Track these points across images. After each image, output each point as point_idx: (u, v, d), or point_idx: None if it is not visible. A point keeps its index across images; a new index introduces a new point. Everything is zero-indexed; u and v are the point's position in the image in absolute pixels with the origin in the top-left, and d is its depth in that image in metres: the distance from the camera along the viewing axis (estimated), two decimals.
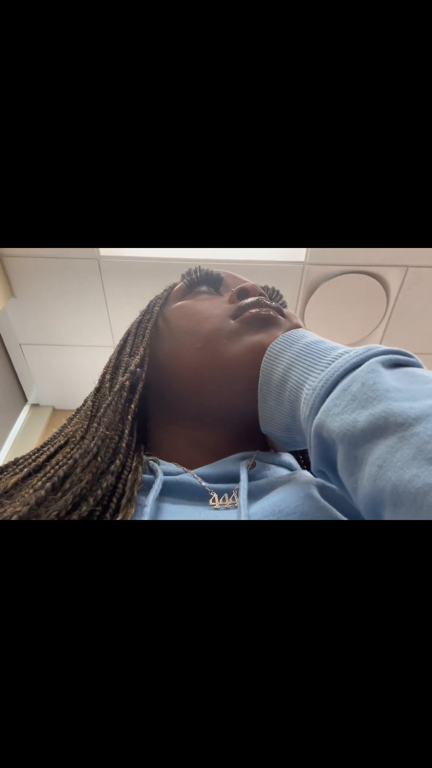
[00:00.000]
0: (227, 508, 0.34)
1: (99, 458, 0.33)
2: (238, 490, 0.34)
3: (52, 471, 0.32)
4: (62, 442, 0.37)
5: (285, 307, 0.47)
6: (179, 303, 0.46)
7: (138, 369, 0.41)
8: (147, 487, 0.34)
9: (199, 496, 0.35)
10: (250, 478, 0.36)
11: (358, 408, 0.26)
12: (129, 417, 0.38)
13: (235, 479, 0.36)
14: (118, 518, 0.30)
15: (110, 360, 0.44)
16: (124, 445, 0.35)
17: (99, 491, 0.31)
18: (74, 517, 0.29)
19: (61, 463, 0.33)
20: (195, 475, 0.36)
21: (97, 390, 0.41)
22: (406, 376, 0.27)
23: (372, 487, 0.24)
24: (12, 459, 0.38)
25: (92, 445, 0.33)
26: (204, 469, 0.37)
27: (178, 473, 0.37)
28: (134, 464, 0.35)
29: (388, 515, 0.23)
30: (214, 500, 0.34)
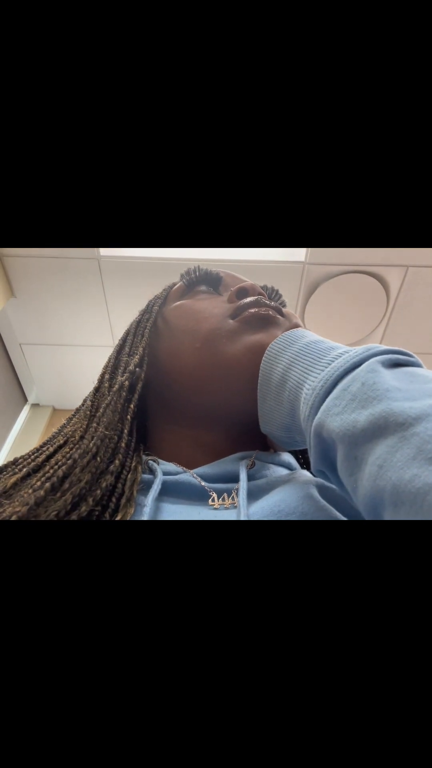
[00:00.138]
0: (227, 508, 0.33)
1: (98, 458, 0.33)
2: (237, 489, 0.34)
3: (51, 471, 0.32)
4: (61, 441, 0.37)
5: (284, 306, 0.47)
6: (178, 302, 0.46)
7: (137, 369, 0.41)
8: (146, 486, 0.34)
9: (198, 495, 0.35)
10: (250, 478, 0.36)
11: (358, 408, 0.26)
12: (128, 417, 0.37)
13: (235, 479, 0.36)
14: (118, 518, 0.30)
15: (109, 360, 0.44)
16: (123, 444, 0.35)
17: (98, 491, 0.31)
18: (73, 517, 0.29)
19: (60, 463, 0.33)
20: (194, 475, 0.36)
21: (97, 390, 0.41)
22: (406, 375, 0.27)
23: (372, 487, 0.24)
24: (12, 459, 0.38)
25: (91, 444, 0.33)
26: (203, 469, 0.37)
27: (177, 473, 0.37)
28: (133, 464, 0.35)
29: (388, 515, 0.23)
30: (213, 500, 0.34)
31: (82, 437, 0.36)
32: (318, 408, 0.29)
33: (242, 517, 0.30)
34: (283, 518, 0.30)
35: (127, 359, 0.42)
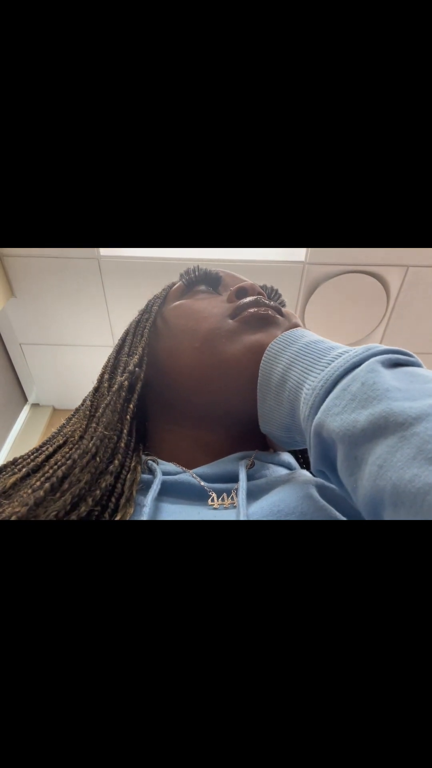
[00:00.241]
0: (226, 508, 0.33)
1: (98, 458, 0.33)
2: (237, 489, 0.34)
3: (50, 471, 0.32)
4: (61, 442, 0.37)
5: (284, 306, 0.46)
6: (178, 302, 0.46)
7: (136, 369, 0.41)
8: (146, 486, 0.34)
9: (198, 495, 0.35)
10: (249, 478, 0.36)
11: (358, 408, 0.26)
12: (127, 417, 0.37)
13: (234, 479, 0.36)
14: (117, 518, 0.30)
15: (109, 360, 0.44)
16: (122, 445, 0.35)
17: (98, 491, 0.31)
18: (73, 517, 0.29)
19: (59, 463, 0.33)
20: (194, 475, 0.36)
21: (96, 390, 0.41)
22: (406, 375, 0.27)
23: (372, 487, 0.24)
24: (11, 459, 0.38)
25: (91, 445, 0.33)
26: (203, 469, 0.37)
27: (177, 473, 0.37)
28: (133, 464, 0.35)
29: (388, 515, 0.23)
30: (213, 500, 0.34)
31: (81, 437, 0.36)
32: (318, 408, 0.29)
33: (242, 517, 0.30)
34: (282, 518, 0.30)
35: (127, 359, 0.42)
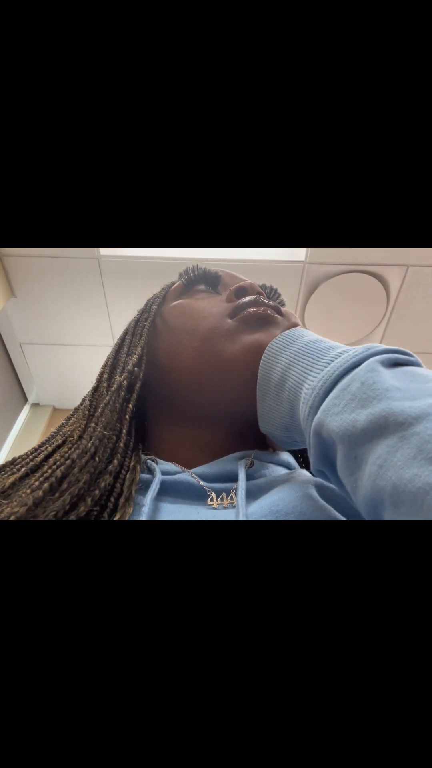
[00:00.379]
0: (225, 508, 0.33)
1: (97, 458, 0.33)
2: (236, 489, 0.34)
3: (49, 471, 0.32)
4: (60, 441, 0.37)
5: (283, 305, 0.46)
6: (177, 302, 0.46)
7: (136, 368, 0.40)
8: (145, 486, 0.34)
9: (197, 495, 0.35)
10: (249, 478, 0.36)
11: (358, 407, 0.26)
12: (127, 416, 0.37)
13: (234, 478, 0.36)
14: (116, 518, 0.30)
15: (108, 359, 0.44)
16: (122, 444, 0.35)
17: (97, 491, 0.31)
18: (72, 517, 0.29)
19: (58, 463, 0.33)
20: (193, 475, 0.36)
21: (95, 389, 0.41)
22: (406, 375, 0.27)
23: (372, 487, 0.24)
24: (10, 459, 0.38)
25: (90, 444, 0.33)
26: (202, 469, 0.37)
27: (176, 472, 0.37)
28: (132, 464, 0.35)
29: (388, 515, 0.23)
30: (212, 500, 0.34)
31: (80, 437, 0.36)
32: (317, 408, 0.29)
33: (241, 517, 0.30)
34: (281, 518, 0.30)
35: (126, 359, 0.42)
